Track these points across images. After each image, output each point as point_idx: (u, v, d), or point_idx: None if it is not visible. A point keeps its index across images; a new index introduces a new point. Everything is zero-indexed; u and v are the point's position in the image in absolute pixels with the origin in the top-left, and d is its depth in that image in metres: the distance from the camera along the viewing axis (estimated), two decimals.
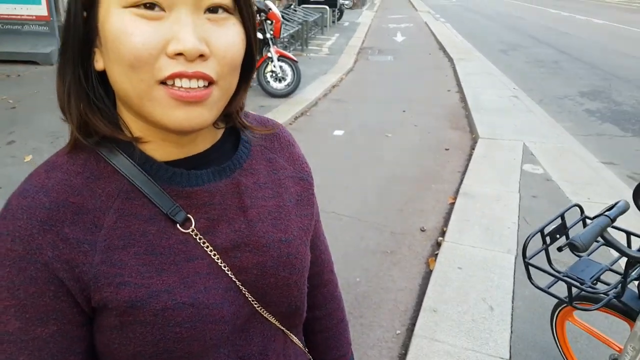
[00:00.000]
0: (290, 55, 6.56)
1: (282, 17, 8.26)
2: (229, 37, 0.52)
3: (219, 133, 0.65)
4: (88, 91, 0.55)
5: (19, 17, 7.62)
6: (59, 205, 0.53)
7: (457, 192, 3.95)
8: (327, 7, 13.81)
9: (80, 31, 0.52)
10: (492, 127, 5.48)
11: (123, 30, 0.48)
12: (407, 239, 3.31)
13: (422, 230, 3.42)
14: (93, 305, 0.54)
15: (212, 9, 0.51)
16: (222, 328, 0.59)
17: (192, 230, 0.58)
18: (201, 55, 0.50)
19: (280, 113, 5.81)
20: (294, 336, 0.72)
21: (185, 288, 0.56)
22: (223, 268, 0.60)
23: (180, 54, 0.49)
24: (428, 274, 2.89)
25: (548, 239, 1.56)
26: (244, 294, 0.62)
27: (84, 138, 0.56)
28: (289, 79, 6.49)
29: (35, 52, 7.59)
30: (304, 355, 0.77)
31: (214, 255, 0.59)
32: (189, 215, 0.58)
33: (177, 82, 0.50)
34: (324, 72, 8.32)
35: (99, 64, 0.54)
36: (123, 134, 0.56)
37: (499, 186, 3.99)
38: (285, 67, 6.48)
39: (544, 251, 1.58)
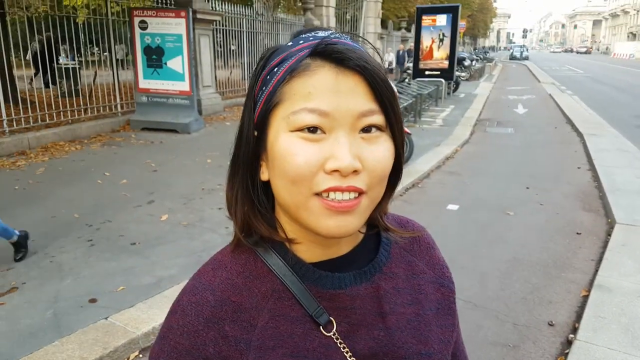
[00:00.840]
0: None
1: (397, 91, 8.45)
2: (379, 152, 0.56)
3: (361, 235, 0.66)
4: (253, 198, 0.61)
5: (165, 91, 8.75)
6: (222, 304, 0.59)
7: (591, 283, 3.52)
8: (442, 79, 13.86)
9: (251, 147, 0.59)
10: (632, 211, 4.91)
11: (289, 151, 0.54)
12: (532, 333, 2.98)
13: (550, 325, 3.06)
14: None
15: (366, 129, 0.56)
16: None
17: (334, 334, 0.60)
18: (354, 171, 0.54)
19: None
20: None
21: None
22: None
23: (336, 170, 0.53)
24: None
25: None
26: None
27: (244, 238, 0.62)
28: None
29: (176, 122, 8.63)
30: None
31: None
32: (331, 318, 0.60)
33: (332, 195, 0.54)
34: (437, 143, 8.21)
35: (264, 175, 0.60)
36: (278, 235, 0.61)
37: None
38: None
39: None
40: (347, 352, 0.59)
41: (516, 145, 8.58)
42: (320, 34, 0.58)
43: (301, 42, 0.57)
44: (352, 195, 0.54)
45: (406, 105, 9.50)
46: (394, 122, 0.58)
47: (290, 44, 0.59)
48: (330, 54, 0.55)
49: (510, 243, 4.33)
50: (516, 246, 4.26)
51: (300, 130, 0.54)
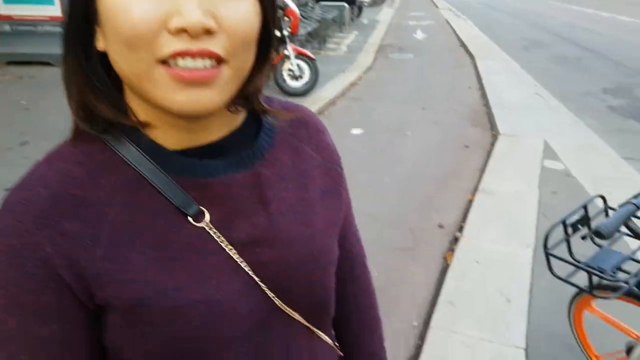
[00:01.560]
0: (308, 52, 6.46)
1: (301, 15, 8.27)
2: (240, 9, 0.47)
3: (238, 119, 0.59)
4: (89, 73, 0.50)
5: (32, 18, 7.44)
6: (58, 198, 0.49)
7: (476, 189, 3.95)
8: (345, 4, 13.67)
9: (81, 7, 0.48)
10: (513, 124, 5.46)
11: (121, 5, 0.44)
12: (426, 235, 3.35)
13: (440, 227, 3.45)
14: (97, 303, 0.50)
15: None
16: (238, 325, 0.55)
17: (206, 225, 0.54)
18: (208, 31, 0.44)
19: None
20: (321, 333, 0.67)
21: (196, 285, 0.52)
22: (240, 264, 0.55)
23: (183, 30, 0.43)
24: (446, 268, 2.93)
25: (570, 230, 1.53)
26: (263, 290, 0.57)
27: (88, 125, 0.52)
28: (306, 77, 6.38)
29: (49, 53, 7.32)
30: (334, 353, 0.73)
31: (230, 250, 0.55)
32: (202, 208, 0.54)
33: (180, 62, 0.44)
34: (343, 70, 8.31)
35: (100, 44, 0.49)
36: (128, 118, 0.51)
37: (519, 183, 3.99)
38: (303, 65, 6.35)
39: (565, 242, 1.55)
40: (222, 242, 0.54)
41: (415, 70, 8.95)
42: None
43: None
44: (208, 62, 0.45)
45: (310, 31, 9.39)
46: None
47: None
48: None
49: (408, 161, 4.67)
50: (412, 163, 4.61)
51: None
